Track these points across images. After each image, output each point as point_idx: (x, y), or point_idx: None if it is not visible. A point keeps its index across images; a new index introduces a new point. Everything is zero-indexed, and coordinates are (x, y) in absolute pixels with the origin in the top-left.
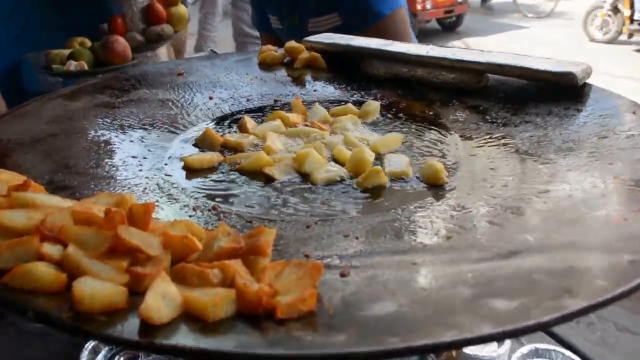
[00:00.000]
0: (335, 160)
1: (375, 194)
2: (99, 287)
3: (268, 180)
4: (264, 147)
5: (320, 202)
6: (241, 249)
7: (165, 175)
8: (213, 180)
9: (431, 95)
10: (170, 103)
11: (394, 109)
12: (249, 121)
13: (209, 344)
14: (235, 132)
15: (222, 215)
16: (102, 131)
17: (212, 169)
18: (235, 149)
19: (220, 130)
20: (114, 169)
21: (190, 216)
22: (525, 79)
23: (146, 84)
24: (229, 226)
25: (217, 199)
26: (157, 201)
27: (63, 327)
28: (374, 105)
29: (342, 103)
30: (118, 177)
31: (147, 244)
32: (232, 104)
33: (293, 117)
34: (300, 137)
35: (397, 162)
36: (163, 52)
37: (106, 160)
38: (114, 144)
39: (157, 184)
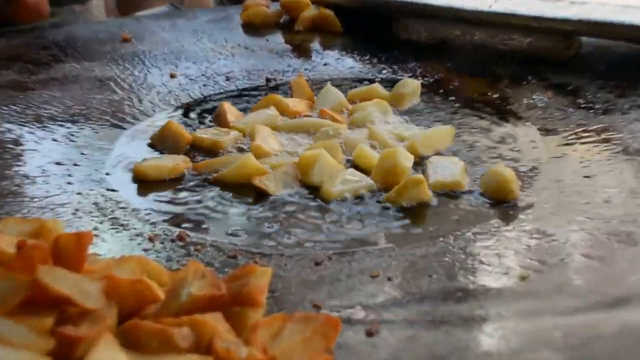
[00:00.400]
0: (357, 166)
1: (416, 215)
2: (11, 358)
3: (259, 196)
4: (253, 148)
5: (336, 228)
6: (222, 298)
7: (108, 190)
8: (178, 198)
9: (496, 70)
10: (112, 83)
11: (442, 91)
12: (230, 110)
13: None
14: (210, 126)
15: (193, 248)
16: (8, 125)
17: (176, 181)
18: (211, 150)
19: (188, 123)
20: (29, 181)
21: (145, 250)
22: (637, 44)
23: (75, 54)
24: (204, 264)
25: (184, 225)
26: (95, 229)
27: None
28: (412, 86)
29: (366, 83)
30: (35, 194)
31: (81, 292)
32: (204, 85)
33: (294, 103)
34: (306, 132)
35: (447, 169)
36: (98, 6)
37: (16, 168)
38: (27, 144)
39: (96, 204)
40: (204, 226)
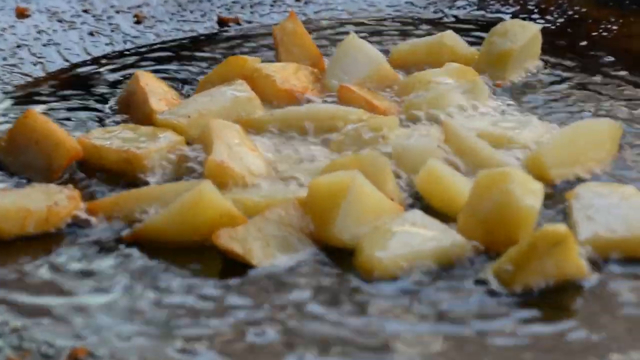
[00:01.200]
0: (426, 203)
1: (556, 310)
2: None
3: (231, 269)
4: (210, 170)
5: (386, 341)
6: None
7: None
8: (61, 276)
9: None
10: None
11: (584, 43)
12: (154, 88)
13: None
14: (117, 121)
15: None
16: None
17: (52, 238)
18: (122, 174)
19: (69, 115)
20: None
21: None
22: None
23: None
24: None
25: (83, 339)
26: None
27: None
28: (524, 35)
29: (427, 29)
30: None
31: None
32: (90, 34)
33: (285, 74)
34: (315, 134)
35: (615, 211)
36: None
37: None
38: None
39: None
40: (126, 343)
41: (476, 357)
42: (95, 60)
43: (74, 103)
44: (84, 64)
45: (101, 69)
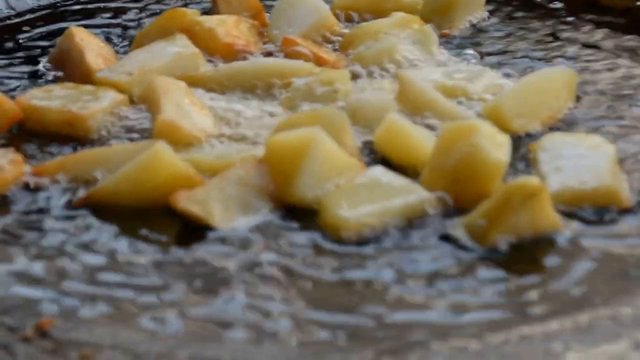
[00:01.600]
0: (388, 158)
1: (530, 265)
2: None
3: (188, 232)
4: (159, 129)
5: (365, 297)
6: None
7: None
8: (7, 238)
9: None
10: None
11: None
12: (90, 44)
13: None
14: (52, 79)
15: (78, 354)
16: None
17: None
18: (67, 136)
19: None
20: None
21: None
22: None
23: None
24: None
25: (43, 305)
26: None
27: None
28: None
29: None
30: None
31: None
32: None
33: (226, 27)
34: (261, 91)
35: (582, 162)
36: None
37: None
38: None
39: None
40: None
41: (451, 314)
42: (20, 15)
43: (4, 62)
44: (7, 19)
45: (28, 25)
